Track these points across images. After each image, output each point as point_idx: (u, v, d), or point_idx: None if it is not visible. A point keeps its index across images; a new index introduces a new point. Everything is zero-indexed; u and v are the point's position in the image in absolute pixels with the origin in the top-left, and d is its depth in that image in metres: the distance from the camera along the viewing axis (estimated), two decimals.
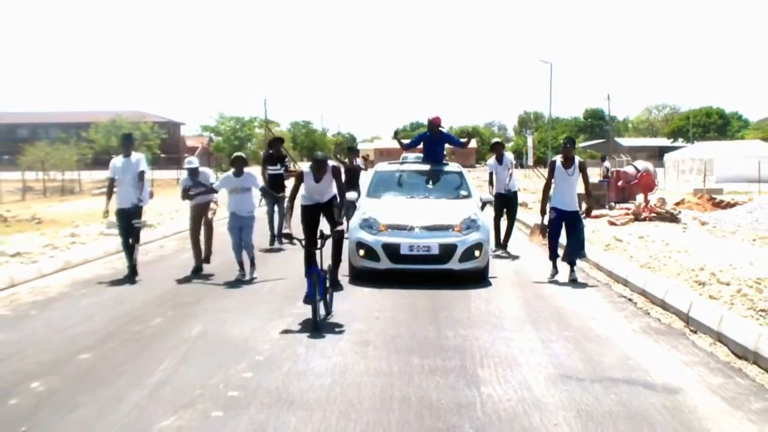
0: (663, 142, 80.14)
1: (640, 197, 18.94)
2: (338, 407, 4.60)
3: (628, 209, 17.09)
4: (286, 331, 6.53)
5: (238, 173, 9.31)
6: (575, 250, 9.00)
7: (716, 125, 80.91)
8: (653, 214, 15.08)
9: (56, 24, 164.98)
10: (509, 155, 12.24)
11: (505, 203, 11.72)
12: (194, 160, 9.91)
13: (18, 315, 7.30)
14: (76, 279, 9.22)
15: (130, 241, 9.23)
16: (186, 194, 9.65)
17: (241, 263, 9.20)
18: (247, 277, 9.13)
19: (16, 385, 5.05)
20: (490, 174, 11.87)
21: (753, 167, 33.04)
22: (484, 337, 6.37)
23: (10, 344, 6.18)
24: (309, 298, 6.63)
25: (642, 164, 21.39)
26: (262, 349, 5.95)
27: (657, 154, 58.52)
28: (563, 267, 9.06)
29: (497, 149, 12.01)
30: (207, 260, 9.78)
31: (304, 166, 7.32)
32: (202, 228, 9.80)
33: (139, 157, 9.40)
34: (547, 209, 9.22)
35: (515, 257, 11.12)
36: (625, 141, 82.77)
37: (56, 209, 20.34)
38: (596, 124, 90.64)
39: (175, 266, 8.81)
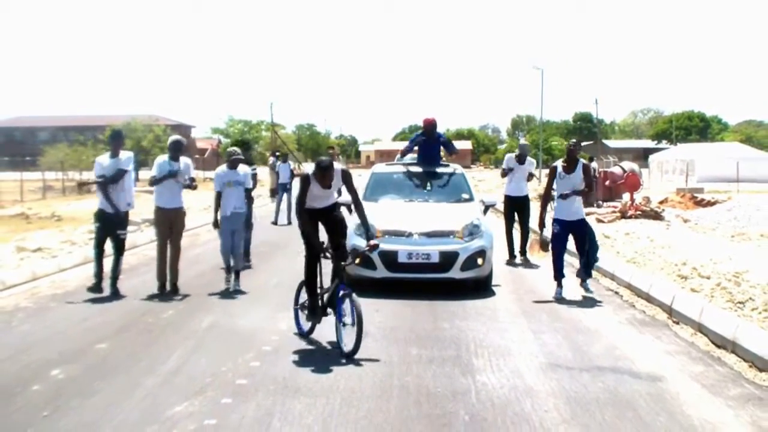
0: (648, 144, 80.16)
1: (626, 196, 18.94)
2: (341, 394, 4.61)
3: (615, 207, 17.09)
4: (292, 324, 6.50)
5: (233, 166, 8.29)
6: (588, 264, 7.81)
7: (698, 128, 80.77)
8: (639, 212, 15.08)
9: (76, 33, 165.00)
10: (532, 161, 10.74)
11: (517, 207, 10.38)
12: (177, 136, 8.42)
13: (39, 307, 7.31)
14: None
15: (113, 252, 7.83)
16: (154, 180, 7.87)
17: (230, 269, 8.17)
18: (232, 288, 8.04)
19: (38, 372, 5.07)
20: (504, 169, 10.54)
21: (732, 168, 33.07)
22: (478, 328, 6.37)
23: (32, 334, 6.20)
24: (303, 332, 6.01)
25: (628, 165, 21.34)
26: (269, 339, 5.95)
27: (642, 156, 58.54)
28: (569, 283, 7.84)
29: (523, 150, 10.56)
30: (174, 289, 7.88)
31: (309, 167, 6.29)
32: (168, 246, 8.01)
33: (127, 157, 7.94)
34: (548, 221, 8.01)
35: (528, 266, 9.86)
36: (612, 143, 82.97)
37: (74, 207, 20.32)
38: (585, 126, 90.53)
39: (185, 260, 8.77)
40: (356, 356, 5.39)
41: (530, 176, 10.73)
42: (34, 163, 37.63)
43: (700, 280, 7.40)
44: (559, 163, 7.98)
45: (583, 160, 7.99)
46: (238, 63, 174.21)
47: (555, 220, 7.82)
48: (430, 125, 10.01)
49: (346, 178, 5.99)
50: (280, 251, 11.59)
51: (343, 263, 5.81)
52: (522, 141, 11.24)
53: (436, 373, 5.06)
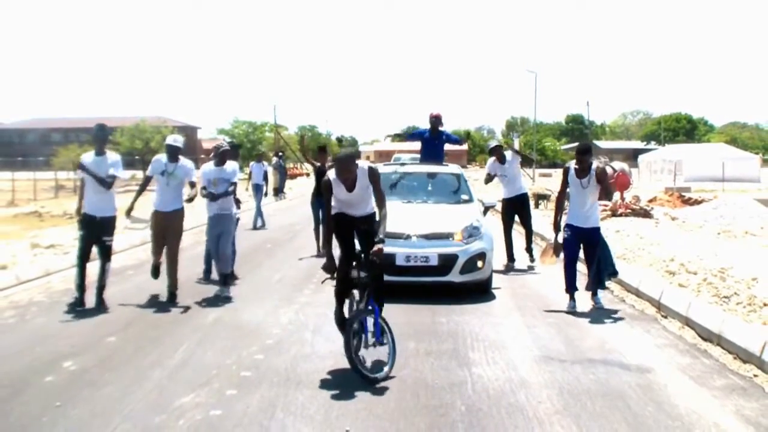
0: (637, 144, 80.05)
1: (616, 195, 18.93)
2: (341, 386, 4.59)
3: (605, 206, 17.08)
4: (294, 318, 6.53)
5: (220, 163, 7.51)
6: (600, 276, 6.94)
7: (685, 129, 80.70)
8: (629, 210, 15.08)
9: (87, 38, 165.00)
10: (514, 156, 9.72)
11: (516, 208, 9.62)
12: (179, 138, 7.45)
13: (52, 301, 7.29)
14: None
15: (99, 258, 6.92)
16: (144, 185, 7.32)
17: (218, 274, 7.57)
18: (222, 295, 7.34)
19: (51, 364, 5.07)
20: (489, 175, 9.77)
21: (718, 168, 33.17)
22: (474, 322, 6.36)
23: (45, 328, 6.19)
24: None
25: (618, 165, 21.23)
26: (272, 333, 5.94)
27: (632, 156, 58.44)
28: (580, 295, 6.98)
29: (497, 152, 9.59)
30: (173, 297, 7.12)
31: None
32: (164, 250, 7.29)
33: (114, 159, 6.92)
34: (562, 225, 7.17)
35: (530, 270, 9.17)
36: (603, 144, 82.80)
37: None
38: (577, 128, 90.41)
39: (190, 258, 8.76)
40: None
41: (526, 162, 9.83)
42: (47, 163, 37.61)
43: (688, 276, 7.40)
44: (572, 164, 7.04)
45: (596, 163, 7.09)
46: (243, 66, 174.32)
47: (567, 225, 7.03)
48: (435, 119, 9.57)
49: (374, 178, 5.06)
50: (281, 248, 11.58)
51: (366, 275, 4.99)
52: (491, 143, 10.10)
53: (434, 366, 5.06)
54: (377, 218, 5.12)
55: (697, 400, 4.41)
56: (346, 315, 5.08)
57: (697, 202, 18.10)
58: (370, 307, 4.91)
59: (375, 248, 4.84)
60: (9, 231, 13.02)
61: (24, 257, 9.45)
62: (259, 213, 14.60)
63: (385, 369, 4.78)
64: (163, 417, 4.08)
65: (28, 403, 4.31)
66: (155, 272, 7.40)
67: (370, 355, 4.94)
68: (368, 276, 4.98)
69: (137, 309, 6.89)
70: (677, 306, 6.42)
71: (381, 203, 5.08)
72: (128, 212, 7.28)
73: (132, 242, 11.36)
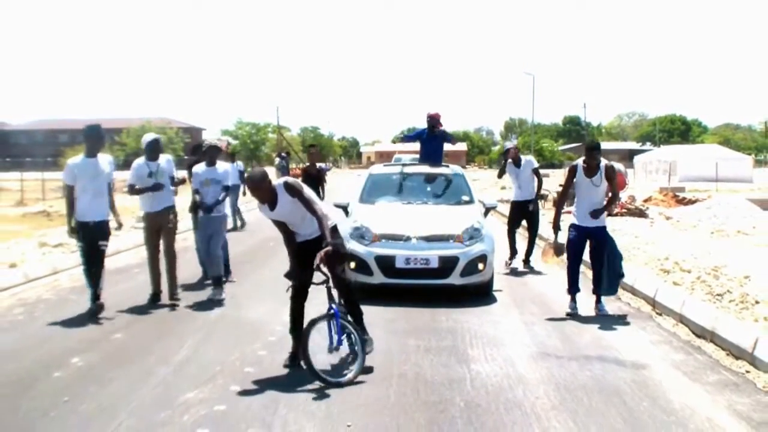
0: (633, 145, 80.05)
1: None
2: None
3: None
4: None
5: (211, 163, 7.28)
6: (606, 279, 6.62)
7: (679, 131, 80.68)
8: (624, 210, 15.06)
9: (94, 40, 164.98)
10: (530, 159, 9.46)
11: (524, 211, 9.31)
12: (152, 135, 7.13)
13: (60, 299, 7.31)
14: (109, 267, 9.10)
15: (94, 265, 6.49)
16: (133, 190, 6.85)
17: (210, 277, 7.30)
18: (214, 298, 7.07)
19: (59, 360, 5.08)
20: (503, 169, 9.51)
21: (711, 168, 33.15)
22: (473, 320, 6.36)
23: (53, 325, 6.20)
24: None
25: (615, 165, 21.34)
26: (275, 330, 5.93)
27: (627, 156, 58.43)
28: (583, 298, 6.73)
29: (512, 154, 9.27)
30: (173, 298, 6.88)
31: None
32: (162, 253, 7.00)
33: (107, 160, 6.58)
34: (562, 225, 6.97)
35: (533, 273, 8.84)
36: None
37: None
38: (573, 129, 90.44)
39: (192, 257, 8.73)
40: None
41: (537, 173, 9.38)
42: (55, 163, 37.66)
43: (682, 274, 7.40)
44: (580, 163, 6.71)
45: (605, 161, 6.71)
46: (246, 68, 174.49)
47: (572, 226, 6.68)
48: (433, 119, 9.35)
49: (292, 192, 4.74)
50: (282, 247, 11.54)
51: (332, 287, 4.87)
52: (507, 144, 9.88)
53: (433, 363, 5.06)
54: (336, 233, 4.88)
55: (690, 396, 4.41)
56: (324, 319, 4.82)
57: (691, 202, 18.07)
58: (331, 311, 4.77)
59: (321, 252, 4.64)
60: (18, 230, 13.02)
61: (32, 256, 9.45)
62: (234, 212, 13.78)
63: (350, 374, 4.61)
64: (168, 412, 4.08)
65: (37, 399, 4.32)
66: (155, 299, 6.93)
67: (334, 358, 4.80)
68: (327, 280, 4.81)
69: (142, 306, 6.88)
70: (672, 303, 6.42)
71: (311, 210, 4.77)
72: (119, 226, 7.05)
73: (136, 242, 11.35)
